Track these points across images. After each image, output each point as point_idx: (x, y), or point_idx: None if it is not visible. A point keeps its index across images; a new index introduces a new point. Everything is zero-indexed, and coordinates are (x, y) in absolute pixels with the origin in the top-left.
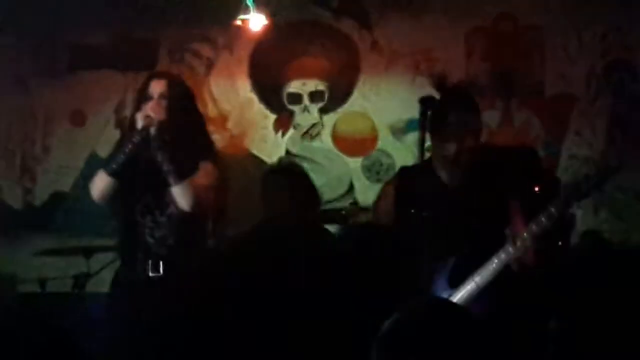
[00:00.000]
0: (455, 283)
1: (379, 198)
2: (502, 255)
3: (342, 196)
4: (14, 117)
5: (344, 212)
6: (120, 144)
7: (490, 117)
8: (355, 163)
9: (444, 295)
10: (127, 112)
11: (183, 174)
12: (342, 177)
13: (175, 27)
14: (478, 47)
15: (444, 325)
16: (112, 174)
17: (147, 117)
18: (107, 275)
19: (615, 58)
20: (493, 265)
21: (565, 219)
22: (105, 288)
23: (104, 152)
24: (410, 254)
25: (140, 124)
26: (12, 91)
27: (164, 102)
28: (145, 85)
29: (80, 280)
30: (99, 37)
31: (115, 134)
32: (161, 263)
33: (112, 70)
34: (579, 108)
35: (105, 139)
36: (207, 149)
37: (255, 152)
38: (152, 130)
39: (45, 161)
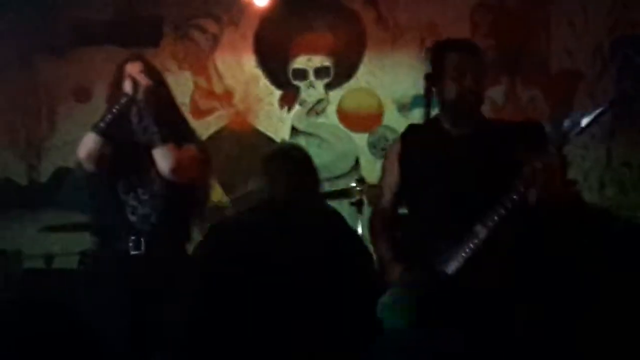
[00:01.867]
0: (459, 236)
1: (389, 149)
2: (503, 203)
3: (348, 172)
4: (17, 94)
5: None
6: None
7: (496, 94)
8: (361, 139)
9: (449, 249)
10: None
11: (166, 138)
12: (348, 153)
13: (179, 3)
14: (483, 23)
15: None
16: (100, 132)
17: (134, 81)
18: None
19: (621, 34)
20: (495, 214)
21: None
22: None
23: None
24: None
25: (127, 86)
26: (15, 68)
27: (144, 76)
28: (122, 67)
29: (86, 256)
30: (102, 13)
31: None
32: (143, 241)
33: (116, 46)
34: (584, 84)
35: None
36: (190, 134)
37: (260, 128)
38: (138, 94)
39: (49, 137)
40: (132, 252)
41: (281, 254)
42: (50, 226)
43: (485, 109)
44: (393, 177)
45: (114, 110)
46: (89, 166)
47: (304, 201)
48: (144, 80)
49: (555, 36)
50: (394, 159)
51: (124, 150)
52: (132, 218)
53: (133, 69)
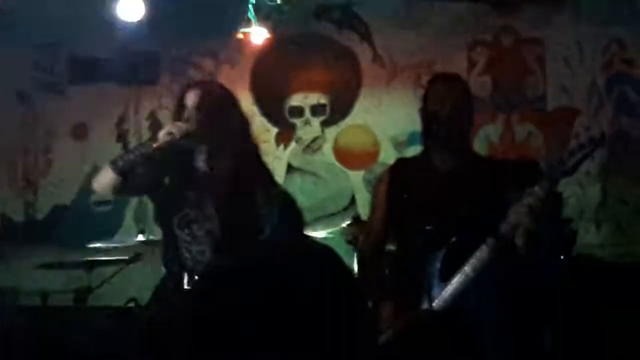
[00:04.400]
0: (448, 275)
1: (376, 184)
2: (490, 243)
3: (344, 209)
4: (16, 131)
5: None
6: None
7: (492, 130)
8: (357, 176)
9: (437, 287)
10: (129, 126)
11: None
12: (344, 190)
13: (177, 41)
14: (480, 60)
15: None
16: (114, 169)
17: (170, 133)
18: (108, 289)
19: (617, 71)
20: (482, 254)
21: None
22: (105, 302)
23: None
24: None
25: (161, 137)
26: (14, 105)
27: (195, 113)
28: (182, 95)
29: (82, 293)
30: (100, 51)
31: (117, 147)
32: (197, 278)
33: (113, 83)
34: (580, 121)
35: (107, 152)
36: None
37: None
38: (173, 140)
39: (47, 174)
40: (186, 288)
41: (271, 298)
42: (46, 263)
43: (482, 146)
44: (381, 213)
45: (137, 152)
46: (105, 195)
47: (292, 242)
48: (178, 132)
49: (551, 73)
50: (382, 195)
51: (181, 185)
52: (186, 255)
53: (190, 99)
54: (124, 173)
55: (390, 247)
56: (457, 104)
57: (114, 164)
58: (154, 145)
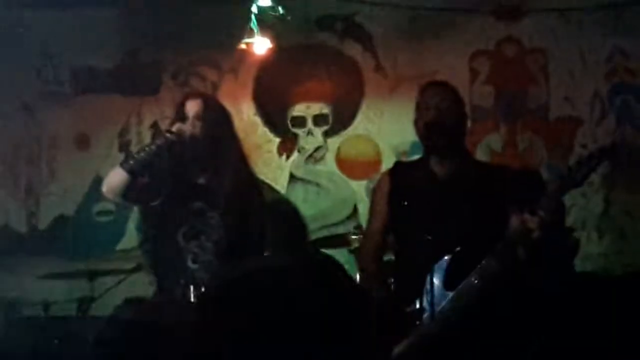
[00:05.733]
0: (452, 284)
1: (376, 189)
2: (498, 254)
3: (347, 219)
4: (18, 141)
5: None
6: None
7: (494, 140)
8: (359, 186)
9: (440, 296)
10: (131, 136)
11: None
12: (347, 200)
13: (179, 51)
14: (482, 70)
15: None
16: (126, 169)
17: (178, 131)
18: (111, 299)
19: (620, 81)
20: (491, 264)
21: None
22: (108, 312)
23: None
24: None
25: (169, 135)
26: (16, 115)
27: (198, 123)
28: (181, 104)
29: (84, 303)
30: (103, 61)
31: (120, 157)
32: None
33: (116, 94)
34: (583, 131)
35: (109, 162)
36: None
37: (259, 175)
38: (184, 139)
39: (49, 185)
40: (193, 300)
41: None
42: (49, 273)
43: (484, 155)
44: (380, 221)
45: (147, 149)
46: (114, 199)
47: (296, 252)
48: (187, 131)
49: (553, 83)
50: (382, 201)
51: (185, 197)
52: (193, 266)
53: (191, 108)
54: (134, 173)
55: (390, 256)
56: (445, 111)
57: (124, 163)
58: (162, 140)
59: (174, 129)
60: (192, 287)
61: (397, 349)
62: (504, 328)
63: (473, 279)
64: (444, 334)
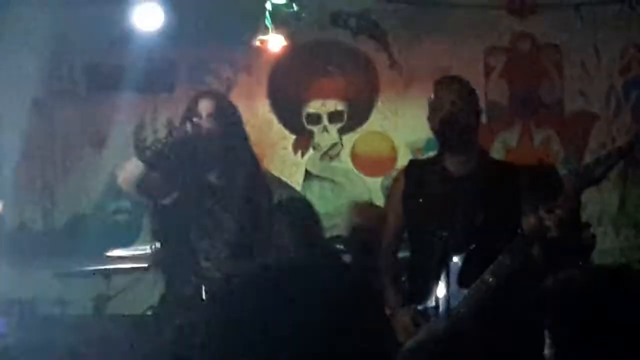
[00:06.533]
0: (466, 282)
1: (392, 186)
2: (513, 252)
3: None
4: (33, 140)
5: None
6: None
7: (509, 135)
8: (374, 183)
9: (454, 294)
10: (146, 134)
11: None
12: (362, 196)
13: (194, 48)
14: (497, 66)
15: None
16: (142, 159)
17: (197, 125)
18: (127, 297)
19: (635, 76)
20: (505, 262)
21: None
22: (125, 310)
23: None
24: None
25: (188, 126)
26: (31, 114)
27: (211, 121)
28: (194, 103)
29: (101, 302)
30: (117, 59)
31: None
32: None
33: (130, 91)
34: (598, 125)
35: (124, 160)
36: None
37: (274, 173)
38: (198, 132)
39: (65, 183)
40: (205, 298)
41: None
42: (65, 272)
43: (499, 151)
44: (397, 221)
45: (165, 141)
46: (129, 190)
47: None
48: (205, 125)
49: (568, 78)
50: (398, 200)
51: (197, 195)
52: (205, 264)
53: (203, 107)
54: (150, 164)
55: (405, 253)
56: (460, 107)
57: (141, 154)
58: (180, 133)
59: (191, 124)
60: (203, 286)
61: (408, 346)
62: (519, 326)
63: (487, 278)
64: (457, 332)
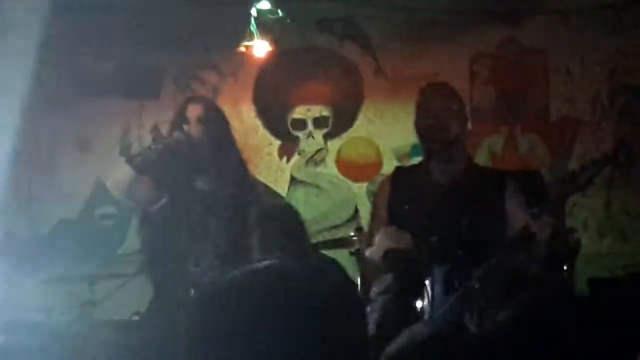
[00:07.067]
0: (451, 288)
1: (377, 193)
2: (497, 258)
3: (347, 221)
4: (19, 145)
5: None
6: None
7: (495, 141)
8: (360, 188)
9: (439, 300)
10: (132, 139)
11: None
12: (347, 202)
13: (180, 54)
14: (483, 72)
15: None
16: (133, 165)
17: (186, 131)
18: (113, 303)
19: (620, 82)
20: (491, 268)
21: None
22: (110, 316)
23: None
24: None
25: (177, 132)
26: (17, 118)
27: (199, 127)
28: (183, 109)
29: (87, 308)
30: (103, 64)
31: (121, 161)
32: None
33: (117, 97)
34: (583, 131)
35: (110, 166)
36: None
37: (260, 178)
38: (189, 138)
39: (51, 189)
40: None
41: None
42: (51, 278)
43: (485, 156)
44: (383, 226)
45: (154, 147)
46: (118, 194)
47: (298, 255)
48: (194, 130)
49: (553, 84)
50: (383, 206)
51: (186, 200)
52: (194, 269)
53: (192, 112)
54: (140, 170)
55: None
56: (445, 113)
57: (131, 160)
58: (170, 140)
59: (180, 131)
60: (192, 290)
61: (388, 351)
62: (504, 332)
63: (474, 284)
64: (441, 337)
